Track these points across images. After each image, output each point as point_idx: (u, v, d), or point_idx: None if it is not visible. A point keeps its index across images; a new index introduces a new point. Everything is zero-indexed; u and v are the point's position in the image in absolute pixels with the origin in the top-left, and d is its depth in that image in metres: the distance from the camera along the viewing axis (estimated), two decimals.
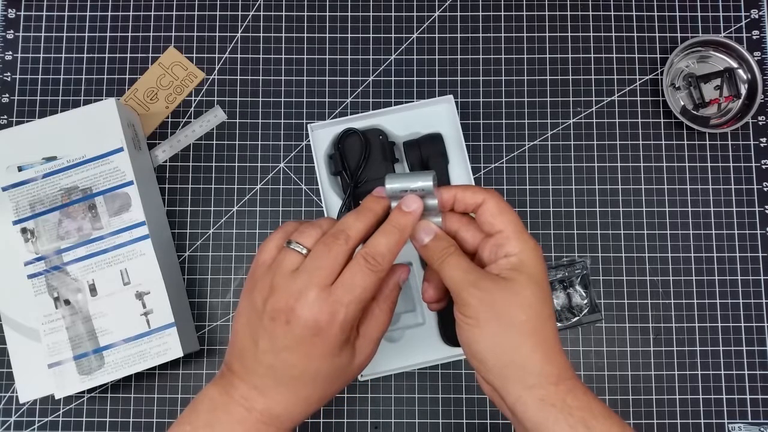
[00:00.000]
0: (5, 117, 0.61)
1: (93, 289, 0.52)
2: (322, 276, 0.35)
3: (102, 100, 0.55)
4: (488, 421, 0.56)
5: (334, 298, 0.35)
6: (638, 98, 0.61)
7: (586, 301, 0.56)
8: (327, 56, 0.62)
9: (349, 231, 0.37)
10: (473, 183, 0.56)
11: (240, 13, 0.62)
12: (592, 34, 0.62)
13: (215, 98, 0.61)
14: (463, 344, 0.36)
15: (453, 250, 0.37)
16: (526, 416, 0.34)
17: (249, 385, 0.36)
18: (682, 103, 0.61)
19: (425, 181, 0.37)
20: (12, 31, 0.62)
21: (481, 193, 0.37)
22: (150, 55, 0.62)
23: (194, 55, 0.62)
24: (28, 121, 0.57)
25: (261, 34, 0.62)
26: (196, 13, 0.62)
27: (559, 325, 0.55)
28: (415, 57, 0.61)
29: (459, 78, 0.61)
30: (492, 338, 0.34)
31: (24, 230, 0.52)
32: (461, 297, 0.35)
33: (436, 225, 0.38)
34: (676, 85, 0.61)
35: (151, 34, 0.62)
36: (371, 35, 0.62)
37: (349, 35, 0.62)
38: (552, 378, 0.34)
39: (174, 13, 0.62)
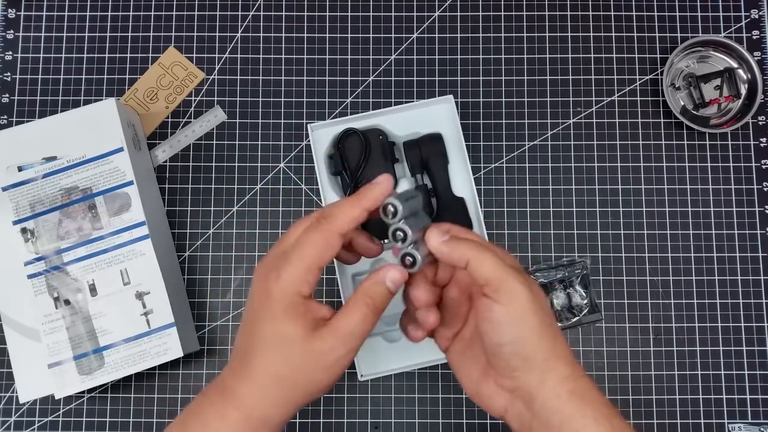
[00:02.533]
0: (5, 117, 0.61)
1: (93, 289, 0.52)
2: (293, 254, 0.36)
3: (102, 100, 0.55)
4: (488, 421, 0.56)
5: (281, 264, 0.35)
6: (638, 98, 0.61)
7: (586, 301, 0.56)
8: (327, 56, 0.62)
9: (335, 218, 0.37)
10: (473, 182, 0.56)
11: (240, 13, 0.62)
12: (592, 34, 0.62)
13: (215, 98, 0.61)
14: (491, 329, 0.35)
15: (464, 238, 0.37)
16: (555, 407, 0.34)
17: (229, 388, 0.36)
18: (682, 103, 0.61)
19: (415, 233, 0.37)
20: (12, 31, 0.62)
21: (461, 247, 0.36)
22: (150, 55, 0.62)
23: (194, 55, 0.62)
24: (28, 121, 0.57)
25: (261, 34, 0.62)
26: (196, 13, 0.62)
27: (559, 325, 0.55)
28: (415, 57, 0.61)
29: (459, 78, 0.61)
30: (530, 321, 0.35)
31: (24, 230, 0.52)
32: (504, 281, 0.35)
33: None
34: (676, 85, 0.61)
35: (151, 34, 0.62)
36: (371, 35, 0.62)
37: (349, 35, 0.62)
38: (579, 372, 0.36)
39: (174, 13, 0.62)
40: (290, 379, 0.35)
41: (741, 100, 0.60)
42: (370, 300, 0.37)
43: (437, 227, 0.38)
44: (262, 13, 0.62)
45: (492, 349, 0.36)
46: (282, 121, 0.61)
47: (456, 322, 0.41)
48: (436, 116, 0.59)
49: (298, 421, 0.56)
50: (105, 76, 0.61)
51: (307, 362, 0.35)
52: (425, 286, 0.39)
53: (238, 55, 0.62)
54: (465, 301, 0.40)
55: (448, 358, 0.41)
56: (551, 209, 0.59)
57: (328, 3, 0.62)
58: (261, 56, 0.62)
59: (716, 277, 0.58)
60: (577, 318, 0.56)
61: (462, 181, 0.58)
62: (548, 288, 0.56)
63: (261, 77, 0.61)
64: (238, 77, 0.61)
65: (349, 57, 0.61)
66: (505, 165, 0.60)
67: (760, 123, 0.60)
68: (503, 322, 0.35)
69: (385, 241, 0.55)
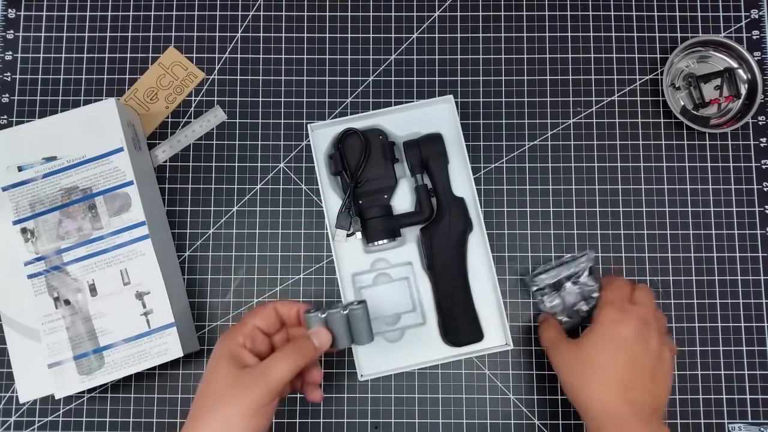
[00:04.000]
0: (5, 117, 0.61)
1: (93, 289, 0.52)
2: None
3: (102, 100, 0.55)
4: (488, 421, 0.56)
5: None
6: (638, 98, 0.61)
7: (596, 285, 0.55)
8: (327, 56, 0.62)
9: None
10: (473, 182, 0.56)
11: (240, 13, 0.62)
12: (592, 34, 0.62)
13: (215, 98, 0.61)
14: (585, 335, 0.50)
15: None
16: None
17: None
18: (682, 103, 0.61)
19: None
20: (12, 31, 0.62)
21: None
22: (150, 55, 0.62)
23: (194, 55, 0.62)
24: (28, 121, 0.57)
25: (261, 34, 0.62)
26: (196, 13, 0.62)
27: (574, 320, 0.56)
28: (415, 57, 0.61)
29: (459, 78, 0.61)
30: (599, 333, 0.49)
31: (24, 230, 0.52)
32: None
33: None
34: (676, 85, 0.61)
35: (151, 34, 0.62)
36: (371, 35, 0.62)
37: (349, 35, 0.62)
38: None
39: (174, 13, 0.62)
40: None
41: (741, 100, 0.60)
42: (291, 351, 0.43)
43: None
44: (262, 13, 0.62)
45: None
46: (282, 121, 0.61)
47: None
48: (436, 116, 0.59)
49: (298, 421, 0.56)
50: (105, 76, 0.61)
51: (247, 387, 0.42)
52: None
53: (238, 55, 0.62)
54: None
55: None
56: (551, 209, 0.59)
57: (328, 3, 0.62)
58: (261, 56, 0.62)
59: (716, 277, 0.58)
60: (590, 307, 0.55)
61: (462, 181, 0.58)
62: (557, 287, 0.56)
63: (261, 77, 0.61)
64: (238, 77, 0.61)
65: (349, 57, 0.61)
66: (505, 165, 0.60)
67: (760, 123, 0.60)
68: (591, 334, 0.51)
69: (385, 241, 0.56)
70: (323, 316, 0.45)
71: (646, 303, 0.50)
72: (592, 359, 0.48)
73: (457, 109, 0.58)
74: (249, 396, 0.40)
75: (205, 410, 0.41)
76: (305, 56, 0.61)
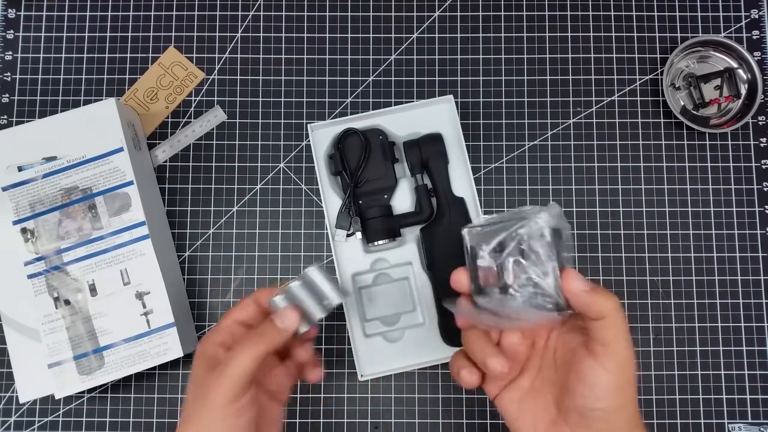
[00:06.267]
0: (5, 117, 0.61)
1: (93, 289, 0.52)
2: None
3: (102, 100, 0.55)
4: (488, 421, 0.56)
5: None
6: (638, 98, 0.61)
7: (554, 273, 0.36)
8: (327, 56, 0.62)
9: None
10: (473, 182, 0.56)
11: (240, 13, 0.62)
12: (592, 34, 0.62)
13: (215, 98, 0.61)
14: (588, 393, 0.35)
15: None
16: None
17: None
18: (682, 103, 0.61)
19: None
20: (12, 31, 0.62)
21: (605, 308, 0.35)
22: (150, 55, 0.62)
23: (194, 55, 0.62)
24: (28, 121, 0.57)
25: (261, 34, 0.62)
26: (196, 13, 0.62)
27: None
28: (415, 57, 0.61)
29: (459, 78, 0.61)
30: (628, 392, 0.35)
31: (24, 230, 0.52)
32: (621, 349, 0.34)
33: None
34: (676, 85, 0.61)
35: (151, 34, 0.62)
36: (371, 35, 0.62)
37: (349, 35, 0.62)
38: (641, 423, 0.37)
39: (174, 13, 0.62)
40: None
41: (741, 100, 0.60)
42: (251, 344, 0.39)
43: (574, 274, 0.35)
44: (262, 13, 0.62)
45: (581, 410, 0.35)
46: (282, 121, 0.61)
47: (513, 370, 0.39)
48: (436, 116, 0.59)
49: (298, 421, 0.56)
50: (105, 76, 0.61)
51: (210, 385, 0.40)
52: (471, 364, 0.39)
53: (238, 55, 0.62)
54: (526, 349, 0.39)
55: (498, 405, 0.40)
56: None
57: (328, 3, 0.62)
58: (261, 56, 0.62)
59: (716, 277, 0.58)
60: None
61: (462, 181, 0.58)
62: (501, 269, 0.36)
63: (261, 77, 0.61)
64: (238, 77, 0.61)
65: (349, 57, 0.61)
66: (505, 165, 0.60)
67: (760, 123, 0.60)
68: (606, 388, 0.34)
69: (385, 241, 0.55)
70: (284, 296, 0.41)
71: None
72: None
73: (457, 109, 0.58)
74: (214, 395, 0.37)
75: (185, 416, 0.39)
76: (305, 56, 0.61)
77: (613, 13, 0.62)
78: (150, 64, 0.61)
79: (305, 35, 0.62)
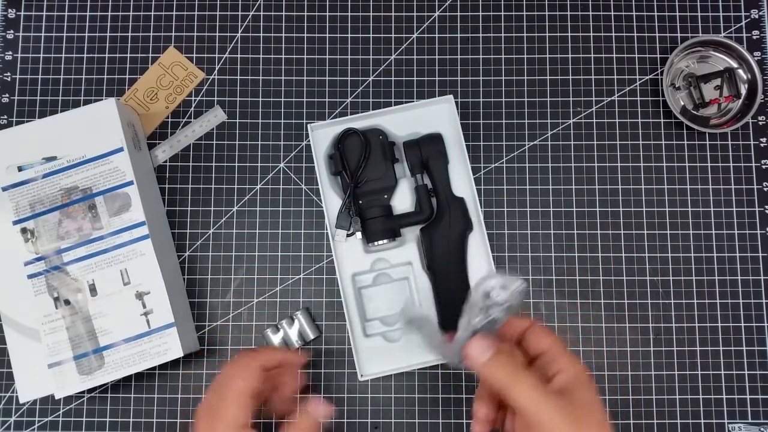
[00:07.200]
0: (5, 117, 0.61)
1: (93, 289, 0.52)
2: None
3: (102, 100, 0.55)
4: None
5: None
6: (638, 98, 0.61)
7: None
8: (327, 56, 0.62)
9: (258, 354, 0.46)
10: (473, 182, 0.56)
11: (240, 13, 0.62)
12: (592, 34, 0.62)
13: (215, 98, 0.61)
14: None
15: (520, 364, 0.37)
16: None
17: None
18: (682, 103, 0.61)
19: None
20: (12, 31, 0.62)
21: (525, 320, 0.40)
22: (150, 55, 0.62)
23: (194, 55, 0.62)
24: (28, 121, 0.57)
25: (261, 34, 0.62)
26: (196, 13, 0.62)
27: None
28: (415, 57, 0.61)
29: (459, 78, 0.61)
30: None
31: (24, 230, 0.52)
32: (540, 417, 0.34)
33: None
34: (676, 85, 0.61)
35: (151, 34, 0.62)
36: (371, 35, 0.62)
37: (349, 35, 0.62)
38: None
39: (174, 13, 0.62)
40: None
41: (741, 100, 0.60)
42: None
43: (481, 340, 0.37)
44: (262, 13, 0.62)
45: None
46: (282, 121, 0.61)
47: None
48: (436, 116, 0.59)
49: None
50: (105, 76, 0.61)
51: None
52: (488, 402, 0.41)
53: (238, 55, 0.62)
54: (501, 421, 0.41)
55: None
56: (551, 209, 0.59)
57: (328, 3, 0.62)
58: (261, 56, 0.62)
59: (716, 277, 0.58)
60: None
61: (462, 181, 0.58)
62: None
63: (261, 77, 0.61)
64: (238, 77, 0.61)
65: (349, 57, 0.61)
66: (505, 165, 0.60)
67: (760, 123, 0.60)
68: None
69: (385, 241, 0.55)
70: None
71: None
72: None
73: (457, 109, 0.58)
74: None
75: None
76: (305, 56, 0.61)
77: (613, 13, 0.62)
78: (150, 64, 0.61)
79: (305, 35, 0.62)
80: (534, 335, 0.39)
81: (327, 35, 0.62)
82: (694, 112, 0.61)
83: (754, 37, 0.62)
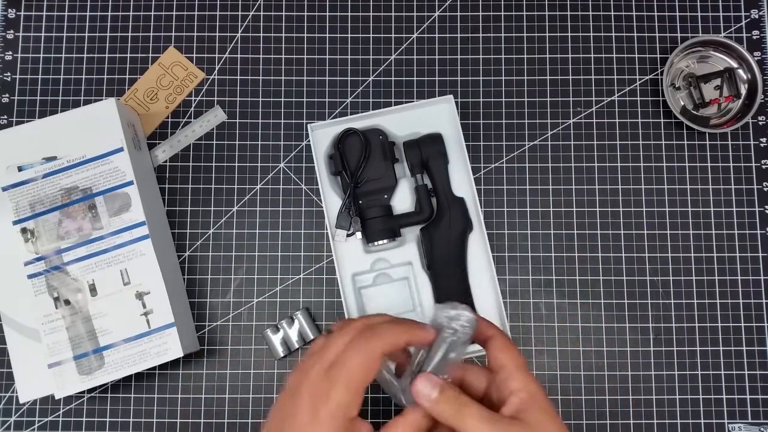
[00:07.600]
0: (5, 117, 0.61)
1: (93, 289, 0.52)
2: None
3: (102, 100, 0.55)
4: None
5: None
6: (638, 98, 0.61)
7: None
8: (327, 56, 0.62)
9: (380, 339, 0.37)
10: (473, 182, 0.56)
11: (240, 13, 0.62)
12: (592, 34, 0.62)
13: (215, 98, 0.61)
14: None
15: (467, 399, 0.36)
16: None
17: None
18: (682, 103, 0.61)
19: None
20: (12, 31, 0.62)
21: (492, 328, 0.38)
22: (150, 55, 0.62)
23: (194, 55, 0.62)
24: (28, 121, 0.57)
25: (261, 34, 0.62)
26: (196, 13, 0.62)
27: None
28: (415, 57, 0.61)
29: (459, 78, 0.61)
30: None
31: (24, 230, 0.52)
32: None
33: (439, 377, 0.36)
34: (676, 85, 0.61)
35: (151, 34, 0.62)
36: (371, 35, 0.62)
37: (349, 35, 0.62)
38: None
39: (174, 13, 0.62)
40: None
41: (741, 100, 0.60)
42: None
43: (427, 379, 0.36)
44: (262, 13, 0.62)
45: None
46: (282, 121, 0.61)
47: None
48: (436, 116, 0.59)
49: None
50: (105, 76, 0.61)
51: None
52: None
53: (238, 55, 0.62)
54: None
55: None
56: (551, 209, 0.59)
57: (328, 3, 0.62)
58: (261, 56, 0.62)
59: (716, 277, 0.58)
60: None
61: (462, 181, 0.58)
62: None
63: (261, 77, 0.61)
64: (238, 77, 0.61)
65: (349, 57, 0.61)
66: (505, 165, 0.60)
67: (760, 123, 0.60)
68: None
69: (385, 241, 0.55)
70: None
71: None
72: None
73: (457, 109, 0.58)
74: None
75: None
76: (305, 56, 0.61)
77: (613, 13, 0.62)
78: (150, 64, 0.61)
79: (305, 35, 0.62)
80: (494, 347, 0.37)
81: (327, 35, 0.62)
82: (694, 112, 0.61)
83: (754, 37, 0.62)
